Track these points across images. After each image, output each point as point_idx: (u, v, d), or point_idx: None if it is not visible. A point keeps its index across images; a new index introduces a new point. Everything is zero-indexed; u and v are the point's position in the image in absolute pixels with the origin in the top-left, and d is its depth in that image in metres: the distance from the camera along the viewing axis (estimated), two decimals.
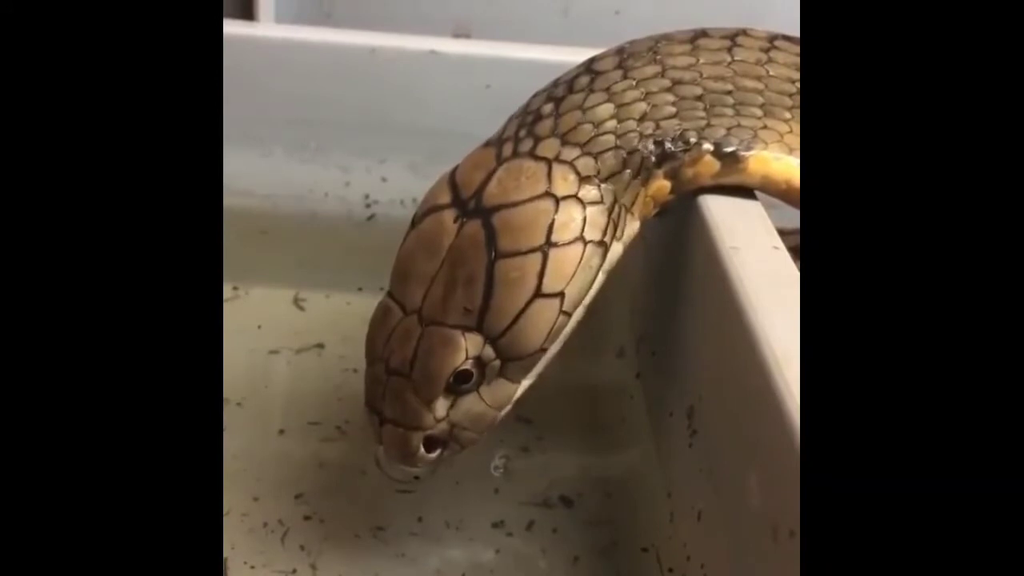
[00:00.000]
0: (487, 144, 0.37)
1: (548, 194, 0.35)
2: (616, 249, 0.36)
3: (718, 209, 0.37)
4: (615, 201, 0.36)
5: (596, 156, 0.36)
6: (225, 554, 0.39)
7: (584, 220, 0.35)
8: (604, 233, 0.35)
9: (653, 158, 0.36)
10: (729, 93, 0.37)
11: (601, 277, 0.36)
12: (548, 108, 0.37)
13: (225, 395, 0.46)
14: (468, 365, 0.34)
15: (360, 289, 0.54)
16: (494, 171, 0.35)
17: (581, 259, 0.34)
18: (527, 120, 0.37)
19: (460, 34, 0.69)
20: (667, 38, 0.38)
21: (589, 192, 0.35)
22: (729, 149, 0.37)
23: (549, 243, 0.34)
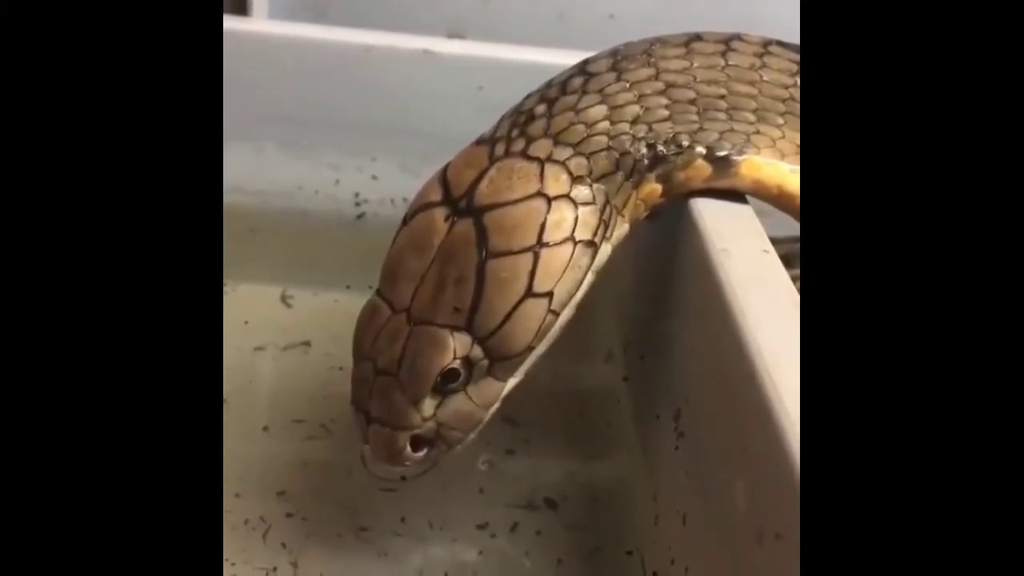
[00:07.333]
0: (479, 142, 0.37)
1: (540, 194, 0.34)
2: (605, 250, 0.36)
3: (708, 212, 0.37)
4: (607, 202, 0.36)
5: (588, 156, 0.36)
6: None
7: (576, 220, 0.34)
8: (594, 234, 0.35)
9: (645, 161, 0.36)
10: (722, 97, 0.37)
11: (590, 277, 0.35)
12: (541, 108, 0.37)
13: None
14: (456, 364, 0.34)
15: (348, 287, 0.54)
16: (486, 170, 0.35)
17: (571, 259, 0.34)
18: (520, 120, 0.37)
19: (454, 36, 0.69)
20: (662, 41, 0.38)
21: (581, 192, 0.35)
22: (721, 153, 0.37)
23: (540, 243, 0.34)
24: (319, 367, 0.49)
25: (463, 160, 0.36)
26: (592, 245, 0.35)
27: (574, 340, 0.37)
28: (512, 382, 0.35)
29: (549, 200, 0.34)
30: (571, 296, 0.35)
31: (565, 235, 0.34)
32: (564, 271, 0.34)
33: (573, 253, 0.34)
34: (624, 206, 0.37)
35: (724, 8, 0.63)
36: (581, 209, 0.35)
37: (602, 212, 0.35)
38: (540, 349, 0.35)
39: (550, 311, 0.34)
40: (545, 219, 0.34)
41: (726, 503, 0.31)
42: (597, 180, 0.36)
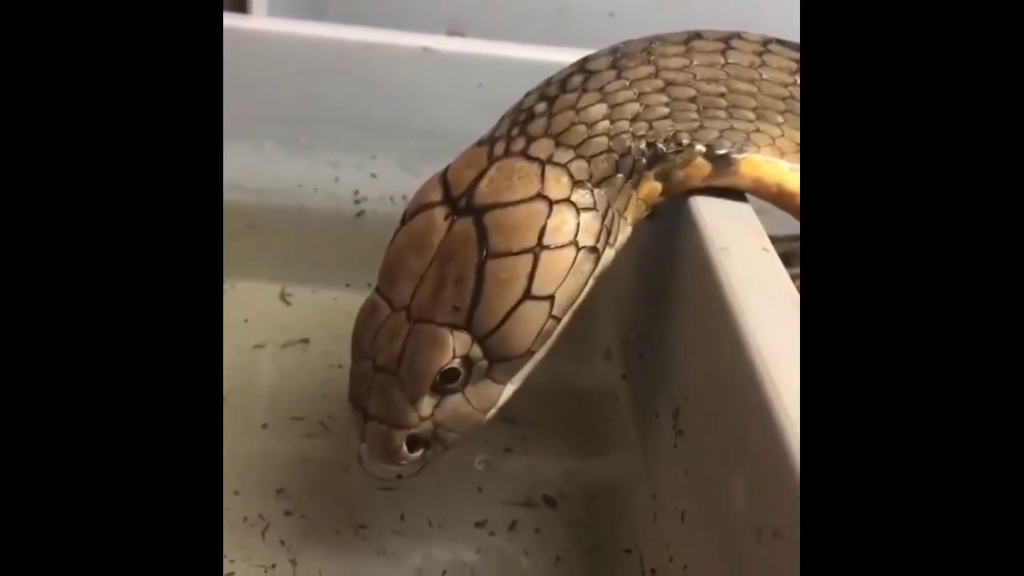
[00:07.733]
0: (479, 143, 0.37)
1: (541, 196, 0.34)
2: (608, 255, 0.36)
3: (708, 210, 0.37)
4: (608, 206, 0.36)
5: (589, 160, 0.35)
6: None
7: (577, 225, 0.34)
8: (597, 239, 0.35)
9: (645, 159, 0.36)
10: (722, 95, 0.37)
11: (592, 282, 0.35)
12: (541, 107, 0.37)
13: None
14: (455, 364, 0.34)
15: (347, 285, 0.54)
16: (486, 170, 0.35)
17: (573, 264, 0.34)
18: (520, 119, 0.37)
19: (454, 33, 0.69)
20: (661, 39, 0.38)
21: (583, 197, 0.35)
22: (721, 151, 0.37)
23: (540, 245, 0.34)
24: (318, 365, 0.49)
25: (463, 160, 0.36)
26: (595, 251, 0.35)
27: (573, 338, 0.37)
28: (511, 389, 0.35)
29: (551, 203, 0.34)
30: (573, 301, 0.35)
31: (567, 239, 0.34)
32: (566, 276, 0.34)
33: (576, 258, 0.34)
34: (626, 208, 0.37)
35: (724, 7, 0.63)
36: (583, 215, 0.35)
37: (604, 217, 0.35)
38: (540, 355, 0.35)
39: (551, 316, 0.34)
40: (546, 222, 0.34)
41: (725, 501, 0.31)
42: (598, 184, 0.35)
